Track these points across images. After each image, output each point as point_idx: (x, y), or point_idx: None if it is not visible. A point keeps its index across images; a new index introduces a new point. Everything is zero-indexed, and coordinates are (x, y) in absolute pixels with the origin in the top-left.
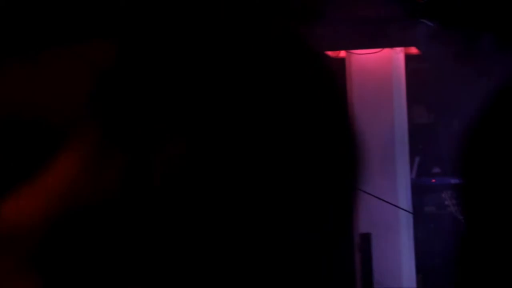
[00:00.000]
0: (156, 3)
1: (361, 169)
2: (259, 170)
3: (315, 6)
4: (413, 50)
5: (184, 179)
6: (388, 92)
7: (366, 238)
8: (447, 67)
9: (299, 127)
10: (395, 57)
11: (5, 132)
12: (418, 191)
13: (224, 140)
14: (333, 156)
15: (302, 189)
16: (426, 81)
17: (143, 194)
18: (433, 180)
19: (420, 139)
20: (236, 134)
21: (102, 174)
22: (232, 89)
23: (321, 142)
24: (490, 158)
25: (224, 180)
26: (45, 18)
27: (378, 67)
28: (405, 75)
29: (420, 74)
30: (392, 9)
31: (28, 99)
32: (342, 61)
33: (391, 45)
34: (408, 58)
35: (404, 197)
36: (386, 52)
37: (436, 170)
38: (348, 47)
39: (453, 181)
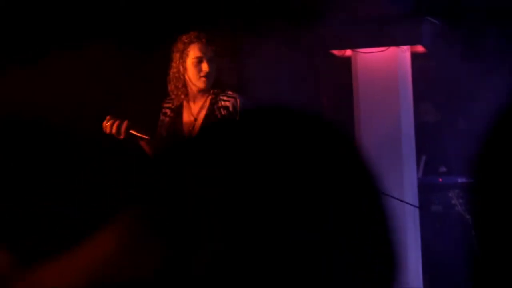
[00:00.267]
0: None
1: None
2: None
3: (319, 5)
4: (419, 48)
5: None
6: (394, 90)
7: None
8: (454, 65)
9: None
10: (401, 55)
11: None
12: (425, 190)
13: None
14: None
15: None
16: (433, 79)
17: (181, 281)
18: (440, 179)
19: (427, 137)
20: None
21: (140, 256)
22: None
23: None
24: (506, 158)
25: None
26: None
27: (384, 66)
28: (412, 73)
29: (427, 72)
30: (397, 7)
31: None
32: (347, 60)
33: (397, 43)
34: (415, 56)
35: (410, 196)
36: (392, 50)
37: (443, 169)
38: (353, 45)
39: (460, 180)
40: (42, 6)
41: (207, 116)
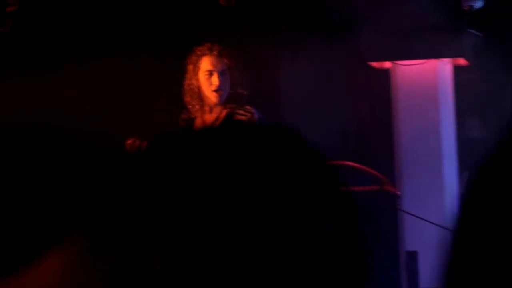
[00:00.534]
0: None
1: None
2: None
3: (357, 17)
4: (461, 61)
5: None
6: (435, 104)
7: (413, 256)
8: (498, 78)
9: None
10: (441, 68)
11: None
12: None
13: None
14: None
15: None
16: (477, 93)
17: None
18: None
19: (472, 153)
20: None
21: (87, 277)
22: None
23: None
24: None
25: None
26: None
27: (424, 78)
28: (454, 87)
29: (471, 85)
30: (438, 19)
31: None
32: (386, 72)
33: (438, 55)
34: (457, 69)
35: (451, 214)
36: (432, 63)
37: None
38: (393, 57)
39: None
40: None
41: None
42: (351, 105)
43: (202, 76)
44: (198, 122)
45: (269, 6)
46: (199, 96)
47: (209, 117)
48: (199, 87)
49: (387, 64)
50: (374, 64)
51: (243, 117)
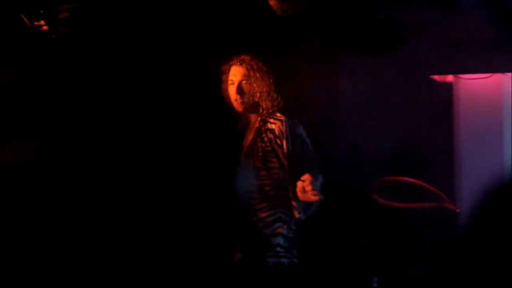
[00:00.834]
0: None
1: None
2: None
3: (419, 28)
4: None
5: None
6: (498, 119)
7: None
8: None
9: None
10: (506, 83)
11: None
12: None
13: None
14: None
15: None
16: None
17: None
18: None
19: None
20: None
21: None
22: None
23: None
24: None
25: None
26: None
27: (488, 93)
28: None
29: None
30: (503, 32)
31: None
32: (449, 85)
33: (502, 70)
34: None
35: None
36: (496, 77)
37: None
38: (455, 71)
39: None
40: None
41: (253, 139)
42: (411, 119)
43: (227, 85)
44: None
45: (327, 18)
46: (231, 103)
47: (247, 123)
48: (228, 97)
49: (449, 78)
50: (436, 77)
51: (273, 125)
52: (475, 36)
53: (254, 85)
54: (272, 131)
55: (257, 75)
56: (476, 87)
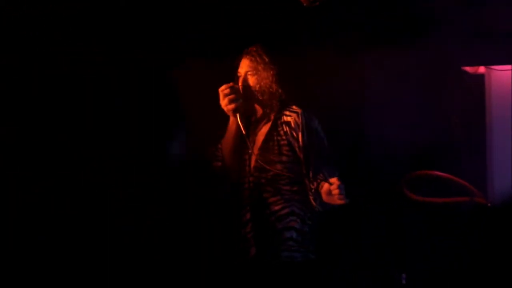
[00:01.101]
0: None
1: None
2: None
3: (450, 19)
4: None
5: None
6: None
7: None
8: None
9: None
10: None
11: None
12: None
13: None
14: None
15: None
16: None
17: None
18: None
19: None
20: None
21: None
22: None
23: None
24: None
25: None
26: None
27: None
28: None
29: None
30: None
31: None
32: (481, 77)
33: None
34: None
35: None
36: None
37: None
38: (487, 62)
39: None
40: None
41: (268, 133)
42: (442, 112)
43: (237, 79)
44: (253, 119)
45: (354, 9)
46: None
47: (261, 116)
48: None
49: (481, 69)
50: (468, 69)
51: (288, 118)
52: (507, 27)
53: (256, 76)
54: (288, 123)
55: (259, 67)
56: (508, 78)
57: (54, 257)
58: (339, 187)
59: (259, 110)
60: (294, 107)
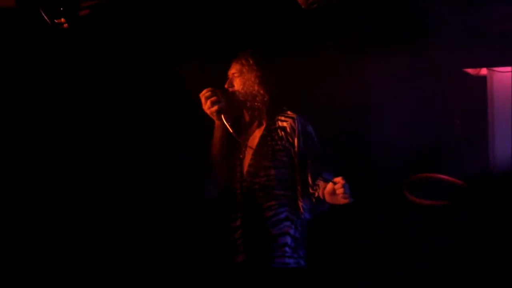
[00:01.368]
0: None
1: None
2: None
3: (451, 20)
4: None
5: None
6: None
7: None
8: None
9: None
10: None
11: None
12: None
13: None
14: None
15: None
16: None
17: None
18: None
19: None
20: None
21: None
22: None
23: None
24: None
25: None
26: None
27: None
28: None
29: None
30: None
31: None
32: (483, 79)
33: None
34: None
35: None
36: None
37: None
38: (489, 64)
39: None
40: None
41: (262, 138)
42: (444, 114)
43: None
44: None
45: (355, 11)
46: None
47: (253, 122)
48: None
49: (483, 71)
50: (470, 70)
51: (284, 123)
52: (509, 28)
53: (241, 78)
54: (283, 129)
55: (244, 69)
56: (510, 80)
57: (54, 257)
58: (344, 186)
59: (246, 113)
60: (289, 112)
